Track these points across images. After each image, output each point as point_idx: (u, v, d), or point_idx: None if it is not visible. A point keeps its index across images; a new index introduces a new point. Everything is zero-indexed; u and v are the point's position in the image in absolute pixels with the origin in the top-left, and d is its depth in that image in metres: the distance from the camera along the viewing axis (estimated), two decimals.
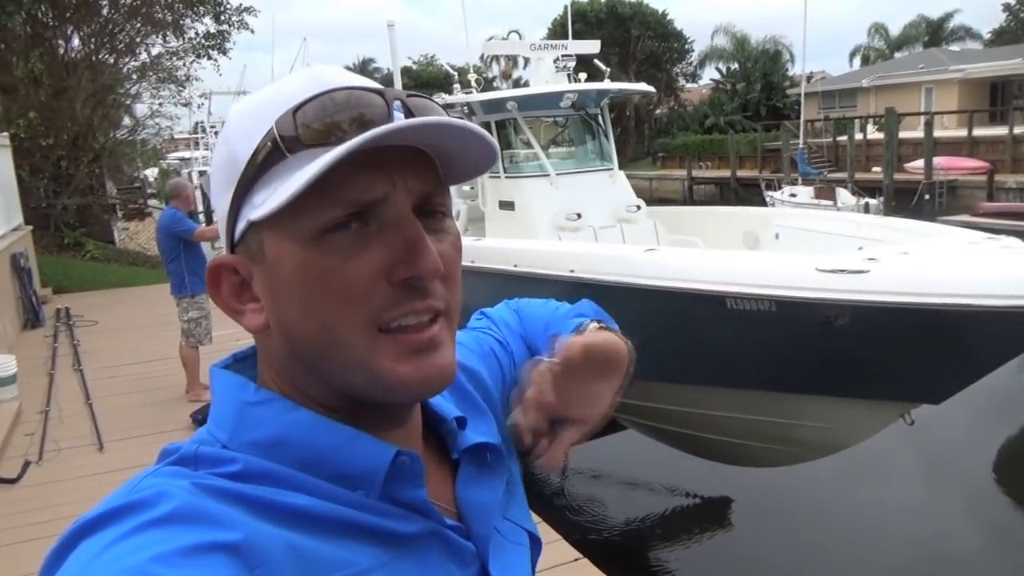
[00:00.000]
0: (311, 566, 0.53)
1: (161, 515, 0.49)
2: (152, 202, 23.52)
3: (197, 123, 34.18)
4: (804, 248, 6.12)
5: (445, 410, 0.72)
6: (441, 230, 0.61)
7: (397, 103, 0.58)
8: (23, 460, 4.78)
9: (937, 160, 23.21)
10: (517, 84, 9.98)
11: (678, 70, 43.77)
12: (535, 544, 0.77)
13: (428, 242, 0.57)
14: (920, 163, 23.73)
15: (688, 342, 4.67)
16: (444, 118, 0.57)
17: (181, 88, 15.60)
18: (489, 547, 0.67)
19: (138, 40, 14.50)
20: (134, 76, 15.20)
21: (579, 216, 6.87)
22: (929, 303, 3.74)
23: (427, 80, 41.69)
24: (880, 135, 25.52)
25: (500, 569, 0.67)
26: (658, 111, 43.68)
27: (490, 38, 8.42)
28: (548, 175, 7.24)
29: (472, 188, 8.00)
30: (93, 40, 13.95)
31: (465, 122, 0.58)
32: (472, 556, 0.65)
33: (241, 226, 0.59)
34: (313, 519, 0.55)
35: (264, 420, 0.59)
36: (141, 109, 17.19)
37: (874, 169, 25.51)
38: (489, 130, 7.34)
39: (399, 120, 0.57)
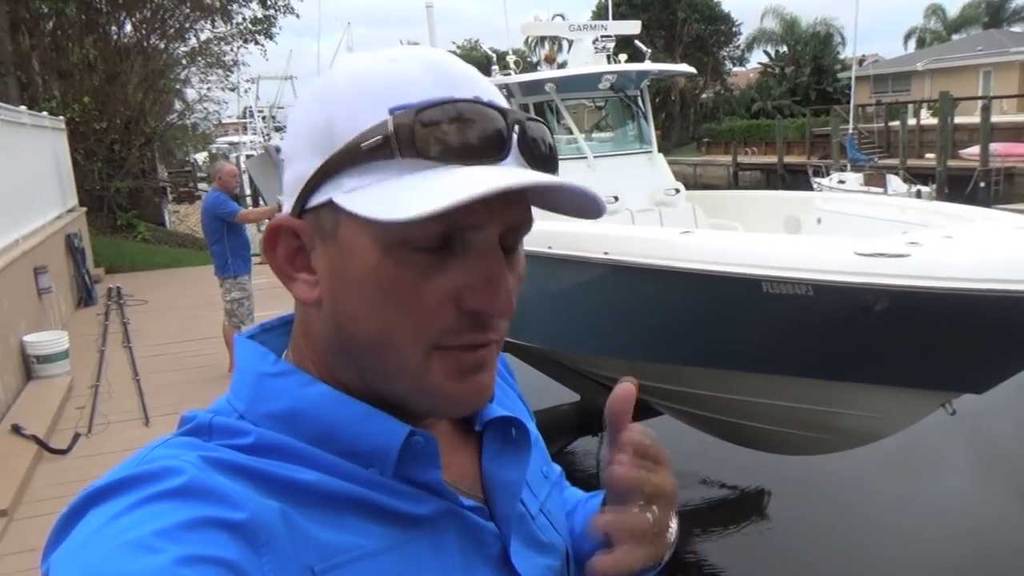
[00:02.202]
0: (316, 545, 0.53)
1: (167, 489, 0.49)
2: (202, 185, 24.05)
3: (245, 108, 34.75)
4: (846, 233, 5.96)
5: None
6: (515, 263, 0.60)
7: (517, 127, 0.57)
8: (73, 432, 4.96)
9: (994, 146, 22.39)
10: (561, 68, 9.92)
11: (725, 53, 42.93)
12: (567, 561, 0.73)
13: (508, 281, 0.56)
14: (976, 149, 22.89)
15: (723, 326, 4.61)
16: (570, 184, 0.56)
17: (229, 73, 15.92)
18: (511, 528, 0.65)
19: (187, 25, 14.83)
20: (184, 61, 15.54)
21: (616, 199, 6.81)
22: (972, 288, 3.63)
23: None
24: (934, 120, 24.72)
25: (522, 558, 0.65)
26: (704, 95, 42.96)
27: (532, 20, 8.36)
28: (586, 157, 7.19)
29: None
30: (144, 26, 14.30)
31: (586, 189, 0.56)
32: (493, 537, 0.64)
33: (320, 199, 0.57)
34: (321, 495, 0.55)
35: (280, 392, 0.59)
36: (191, 94, 17.59)
37: (927, 156, 24.72)
38: (527, 112, 7.30)
39: (512, 152, 0.56)
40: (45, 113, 9.85)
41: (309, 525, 0.53)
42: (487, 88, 0.59)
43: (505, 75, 7.58)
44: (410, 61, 0.57)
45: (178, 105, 18.16)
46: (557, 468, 0.81)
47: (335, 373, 0.60)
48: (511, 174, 0.54)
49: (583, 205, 0.59)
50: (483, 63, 8.69)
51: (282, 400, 0.59)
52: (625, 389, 0.65)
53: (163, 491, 0.49)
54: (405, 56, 0.58)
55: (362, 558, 0.54)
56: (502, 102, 0.58)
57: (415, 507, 0.58)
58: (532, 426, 0.75)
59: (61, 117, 10.84)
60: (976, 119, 23.68)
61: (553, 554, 0.70)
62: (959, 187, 21.32)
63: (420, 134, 0.53)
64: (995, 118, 23.48)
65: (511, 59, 7.88)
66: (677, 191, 7.29)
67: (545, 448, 0.79)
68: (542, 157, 0.59)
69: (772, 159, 31.03)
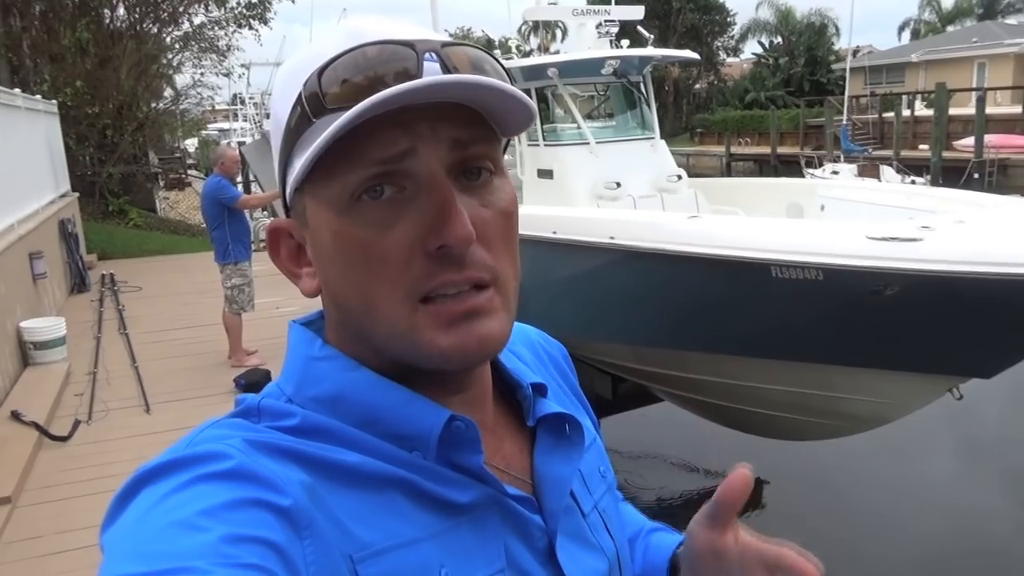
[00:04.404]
0: (356, 530, 0.53)
1: (215, 471, 0.50)
2: (192, 172, 23.89)
3: (235, 94, 34.51)
4: (852, 219, 5.96)
5: (522, 375, 0.69)
6: (486, 192, 0.58)
7: (431, 55, 0.55)
8: (73, 419, 4.89)
9: (989, 138, 22.47)
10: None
11: (719, 44, 42.95)
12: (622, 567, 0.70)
13: (457, 207, 0.54)
14: (970, 141, 22.99)
15: (731, 311, 4.59)
16: (460, 77, 0.53)
17: (223, 58, 15.77)
18: (559, 523, 0.63)
19: (181, 9, 14.68)
20: (177, 46, 15.38)
21: (618, 185, 6.79)
22: (985, 273, 3.62)
23: None
24: (928, 112, 24.81)
25: (568, 555, 0.63)
26: (697, 86, 42.96)
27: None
28: (588, 143, 7.15)
29: (510, 157, 7.97)
30: (138, 9, 14.16)
31: (486, 80, 0.54)
32: (540, 531, 0.62)
33: (289, 192, 0.59)
34: (363, 476, 0.55)
35: (326, 376, 0.60)
36: (181, 81, 17.43)
37: (921, 147, 24.81)
38: (529, 97, 7.25)
39: (426, 76, 0.53)
40: (38, 97, 9.72)
41: (350, 508, 0.53)
42: (408, 33, 0.57)
43: (507, 59, 7.52)
44: (330, 35, 0.58)
45: (168, 92, 18.03)
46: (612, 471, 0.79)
47: (358, 355, 0.60)
48: (384, 94, 0.52)
49: (513, 107, 0.57)
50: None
51: (327, 384, 0.60)
52: (743, 477, 0.62)
53: (210, 473, 0.50)
54: (328, 34, 0.59)
55: (403, 546, 0.54)
56: (425, 36, 0.56)
57: (458, 493, 0.58)
58: (588, 423, 0.73)
59: (54, 101, 10.70)
60: (970, 111, 23.77)
61: (602, 556, 0.67)
62: (953, 178, 21.39)
63: (328, 92, 0.54)
64: (989, 110, 23.56)
65: (513, 43, 7.81)
66: (679, 177, 7.27)
67: (604, 449, 0.77)
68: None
69: (765, 150, 31.06)
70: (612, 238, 4.96)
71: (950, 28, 38.13)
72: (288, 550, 0.48)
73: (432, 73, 0.54)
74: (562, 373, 0.79)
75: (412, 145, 0.54)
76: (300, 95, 0.55)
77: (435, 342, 0.56)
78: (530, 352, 0.77)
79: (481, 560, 0.57)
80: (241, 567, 0.45)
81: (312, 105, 0.54)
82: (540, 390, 0.69)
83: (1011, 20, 35.69)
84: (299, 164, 0.56)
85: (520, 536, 0.61)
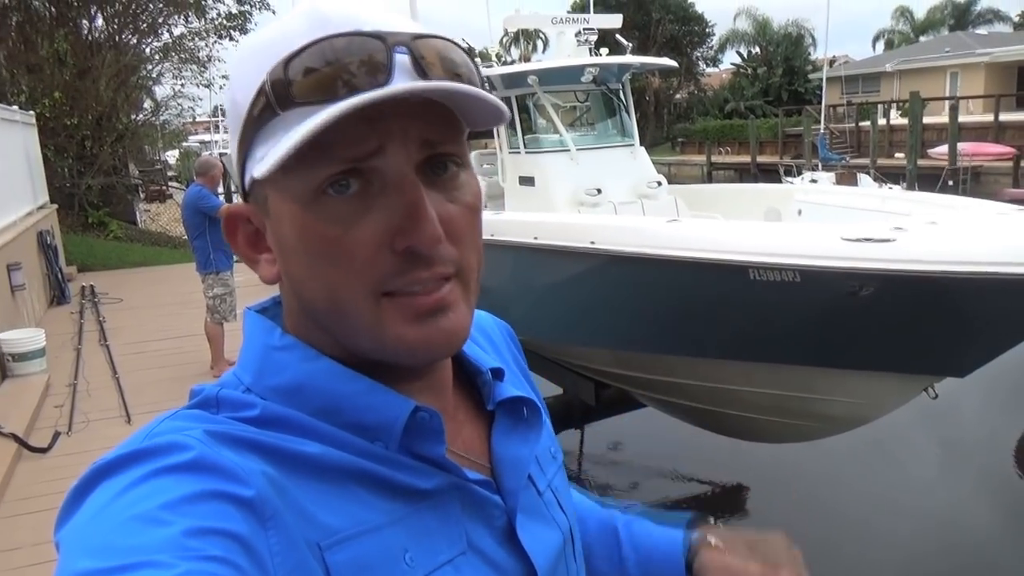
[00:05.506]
0: (321, 518, 0.53)
1: (175, 463, 0.49)
2: (173, 184, 23.71)
3: (217, 106, 34.31)
4: (829, 223, 6.04)
5: (481, 361, 0.70)
6: (453, 187, 0.58)
7: (401, 48, 0.54)
8: (53, 431, 4.85)
9: (962, 146, 22.84)
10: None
11: (698, 54, 43.32)
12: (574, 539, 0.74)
13: (427, 208, 0.54)
14: (944, 149, 23.37)
15: (709, 314, 4.64)
16: (429, 83, 0.53)
17: (203, 69, 15.71)
18: (518, 502, 0.64)
19: (160, 20, 14.61)
20: (156, 57, 15.31)
21: (599, 191, 6.84)
22: (957, 272, 3.69)
23: None
24: (903, 121, 25.16)
25: (528, 532, 0.64)
26: (678, 96, 43.30)
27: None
28: (568, 150, 7.20)
29: (492, 165, 7.99)
30: (116, 20, 14.07)
31: (462, 87, 0.54)
32: (500, 510, 0.63)
33: (248, 178, 0.57)
34: (325, 467, 0.55)
35: (286, 366, 0.59)
36: (162, 92, 17.34)
37: (897, 155, 25.17)
38: (509, 105, 7.29)
39: (397, 70, 0.53)
40: (16, 107, 9.64)
41: (314, 498, 0.53)
42: (376, 21, 0.56)
43: (487, 67, 7.58)
44: (293, 16, 0.57)
45: (148, 104, 17.91)
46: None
47: (319, 345, 0.60)
48: (361, 98, 0.51)
49: (484, 108, 0.56)
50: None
51: (287, 373, 0.59)
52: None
53: (170, 465, 0.49)
54: (291, 15, 0.57)
55: (369, 532, 0.54)
56: (395, 27, 0.55)
57: (420, 480, 0.58)
58: (542, 405, 0.75)
59: (31, 112, 10.62)
60: (944, 119, 24.16)
61: (557, 530, 0.70)
62: (928, 185, 21.65)
63: (295, 83, 0.52)
64: (962, 118, 23.96)
65: (492, 51, 7.86)
66: (659, 184, 7.34)
67: (552, 429, 0.79)
68: (439, 76, 0.55)
69: (745, 159, 31.37)
70: (593, 243, 4.99)
71: (923, 39, 38.76)
72: (252, 541, 0.47)
73: (402, 66, 0.53)
74: (512, 354, 0.81)
75: (381, 144, 0.54)
76: (265, 84, 0.53)
77: (402, 337, 0.56)
78: (483, 337, 0.78)
79: (443, 543, 0.58)
80: (205, 559, 0.44)
81: (278, 97, 0.53)
82: (498, 374, 0.70)
83: (981, 30, 36.37)
84: (264, 156, 0.54)
85: (481, 516, 0.62)
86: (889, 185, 19.30)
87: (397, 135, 0.54)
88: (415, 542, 0.56)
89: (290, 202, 0.55)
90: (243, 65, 0.57)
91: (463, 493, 0.61)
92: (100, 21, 14.09)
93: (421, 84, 0.53)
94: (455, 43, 0.58)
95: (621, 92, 7.67)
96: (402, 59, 0.54)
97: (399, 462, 0.58)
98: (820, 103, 29.08)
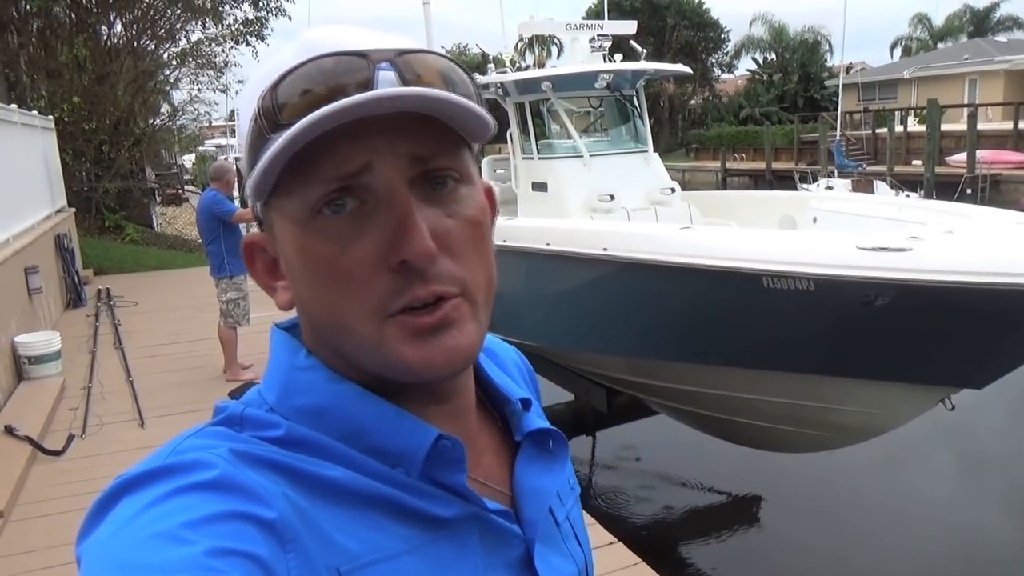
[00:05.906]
0: (341, 543, 0.53)
1: (199, 481, 0.49)
2: (189, 188, 23.91)
3: (233, 110, 34.62)
4: (844, 231, 5.99)
5: (511, 391, 0.70)
6: (452, 201, 0.57)
7: (385, 65, 0.54)
8: (67, 434, 4.89)
9: (981, 153, 22.61)
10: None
11: (714, 60, 43.26)
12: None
13: (416, 222, 0.53)
14: (962, 156, 23.12)
15: (722, 322, 4.60)
16: (391, 91, 0.52)
17: (220, 74, 15.86)
18: (537, 532, 0.64)
19: (178, 27, 14.78)
20: (174, 62, 15.47)
21: (612, 198, 6.82)
22: (974, 282, 3.64)
23: None
24: (921, 128, 24.97)
25: (545, 564, 0.64)
26: (692, 102, 43.21)
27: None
28: (582, 156, 7.19)
29: (504, 170, 8.00)
30: (135, 26, 14.25)
31: (429, 91, 0.53)
32: (518, 540, 0.63)
33: (256, 206, 0.59)
34: (347, 492, 0.55)
35: (310, 388, 0.59)
36: (178, 97, 17.52)
37: (914, 162, 24.95)
38: (523, 111, 7.30)
39: (380, 87, 0.53)
40: (35, 112, 9.76)
41: (335, 523, 0.53)
42: (362, 41, 0.56)
43: (501, 72, 7.58)
44: (289, 47, 0.58)
45: (165, 108, 18.10)
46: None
47: (334, 366, 0.60)
48: (322, 111, 0.51)
49: (467, 117, 0.55)
50: (477, 64, 8.66)
51: (312, 395, 0.59)
52: None
53: (194, 483, 0.49)
54: (287, 45, 0.59)
55: (386, 559, 0.54)
56: (380, 45, 0.55)
57: (440, 508, 0.58)
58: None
59: (50, 116, 10.75)
60: (962, 127, 23.92)
61: (573, 563, 0.69)
62: (946, 193, 21.46)
63: (281, 106, 0.53)
64: (981, 126, 23.72)
65: (506, 57, 7.87)
66: (673, 190, 7.30)
67: (570, 460, 0.78)
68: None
69: (760, 165, 31.21)
70: (605, 249, 4.97)
71: (941, 45, 38.47)
72: (272, 564, 0.47)
73: (387, 83, 0.53)
74: (535, 389, 0.82)
75: (369, 161, 0.53)
76: (257, 110, 0.54)
77: (403, 356, 0.55)
78: (513, 367, 0.79)
79: (460, 572, 0.58)
80: None
81: (268, 120, 0.54)
82: (526, 404, 0.70)
83: (1001, 37, 36.03)
84: (254, 177, 0.56)
85: (498, 547, 0.61)
86: (906, 192, 19.15)
87: (384, 151, 0.54)
88: (430, 571, 0.56)
89: (289, 223, 0.56)
90: (243, 98, 0.59)
91: (482, 523, 0.60)
92: (119, 27, 14.29)
93: (386, 91, 0.52)
94: (446, 57, 0.58)
95: (635, 98, 7.65)
96: (386, 75, 0.54)
97: (420, 489, 0.58)
98: (836, 110, 28.91)
